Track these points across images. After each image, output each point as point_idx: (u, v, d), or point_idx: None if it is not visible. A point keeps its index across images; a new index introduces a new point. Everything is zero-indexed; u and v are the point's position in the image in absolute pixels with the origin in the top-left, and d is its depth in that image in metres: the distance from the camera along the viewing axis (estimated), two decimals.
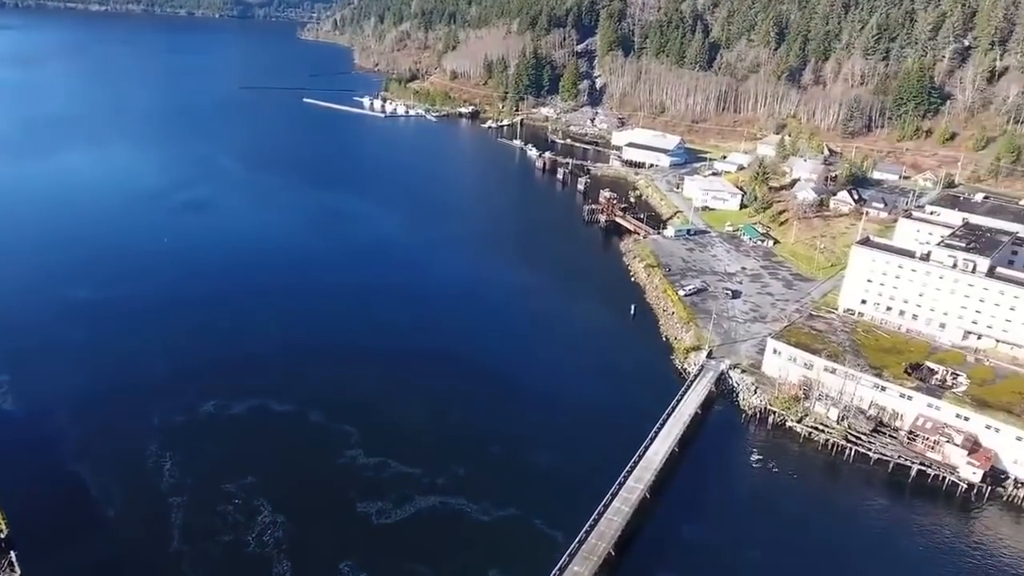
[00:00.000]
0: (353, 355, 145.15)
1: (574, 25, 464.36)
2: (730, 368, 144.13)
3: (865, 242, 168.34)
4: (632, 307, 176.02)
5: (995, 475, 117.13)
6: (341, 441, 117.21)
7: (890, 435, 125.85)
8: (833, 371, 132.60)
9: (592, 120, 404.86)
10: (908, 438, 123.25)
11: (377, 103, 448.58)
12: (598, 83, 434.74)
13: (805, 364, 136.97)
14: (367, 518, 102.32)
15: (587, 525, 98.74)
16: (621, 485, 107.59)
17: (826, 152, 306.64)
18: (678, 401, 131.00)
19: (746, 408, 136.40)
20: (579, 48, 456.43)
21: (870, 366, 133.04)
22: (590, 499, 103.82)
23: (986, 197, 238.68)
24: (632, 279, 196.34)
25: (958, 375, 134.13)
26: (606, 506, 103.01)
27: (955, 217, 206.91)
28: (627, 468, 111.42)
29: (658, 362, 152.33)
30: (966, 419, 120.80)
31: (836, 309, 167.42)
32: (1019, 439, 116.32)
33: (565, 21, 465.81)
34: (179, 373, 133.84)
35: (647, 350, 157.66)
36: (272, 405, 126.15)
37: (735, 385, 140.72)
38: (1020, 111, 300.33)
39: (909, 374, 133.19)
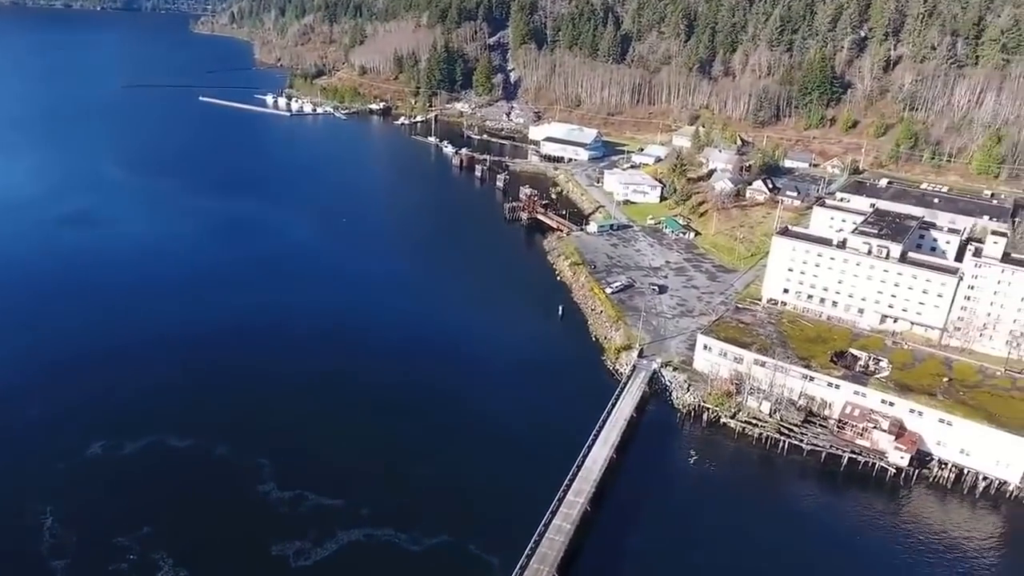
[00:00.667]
0: (260, 378, 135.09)
1: (485, 18, 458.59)
2: (662, 366, 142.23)
3: (784, 232, 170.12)
4: (560, 307, 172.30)
5: (920, 458, 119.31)
6: (251, 476, 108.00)
7: (821, 424, 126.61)
8: (763, 364, 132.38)
9: (508, 114, 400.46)
10: (838, 427, 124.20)
11: (282, 101, 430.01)
12: (512, 76, 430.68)
13: (735, 358, 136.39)
14: (284, 561, 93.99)
15: (527, 548, 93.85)
16: (561, 500, 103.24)
17: (739, 142, 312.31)
18: (613, 404, 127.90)
19: (680, 407, 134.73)
20: (491, 41, 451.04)
21: (798, 357, 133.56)
22: (529, 518, 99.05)
23: (890, 182, 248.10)
24: (558, 278, 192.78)
25: (880, 360, 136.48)
26: (546, 525, 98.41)
27: (864, 203, 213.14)
28: (566, 480, 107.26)
29: (590, 364, 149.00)
30: (891, 404, 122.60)
31: (760, 300, 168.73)
32: (941, 421, 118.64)
33: (476, 14, 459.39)
34: (57, 412, 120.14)
35: (578, 352, 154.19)
36: (170, 441, 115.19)
37: (668, 384, 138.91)
38: (915, 99, 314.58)
39: (835, 362, 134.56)
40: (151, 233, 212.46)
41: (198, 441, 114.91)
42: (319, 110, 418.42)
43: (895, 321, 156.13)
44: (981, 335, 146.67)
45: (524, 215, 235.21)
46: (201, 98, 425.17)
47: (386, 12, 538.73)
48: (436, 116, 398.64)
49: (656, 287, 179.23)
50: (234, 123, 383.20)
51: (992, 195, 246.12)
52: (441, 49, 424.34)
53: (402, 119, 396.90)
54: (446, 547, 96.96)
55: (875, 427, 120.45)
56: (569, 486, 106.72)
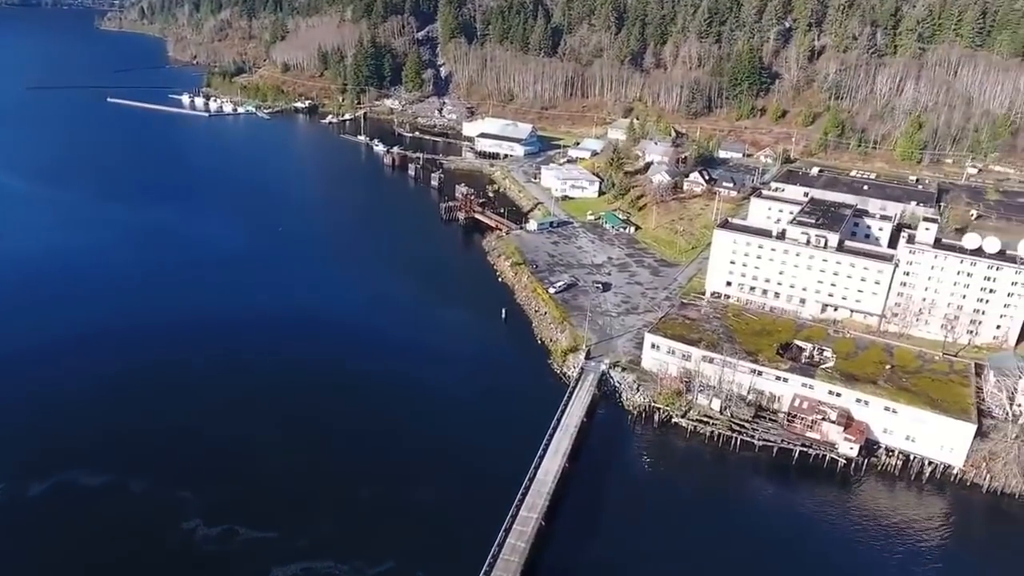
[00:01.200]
0: (181, 400, 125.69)
1: (412, 12, 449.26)
2: (610, 367, 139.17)
3: (725, 225, 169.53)
4: (503, 310, 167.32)
5: (869, 447, 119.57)
6: (174, 512, 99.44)
7: (771, 419, 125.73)
8: (711, 360, 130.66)
9: (440, 111, 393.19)
10: (788, 420, 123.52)
11: (199, 100, 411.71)
12: (443, 72, 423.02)
13: (683, 356, 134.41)
14: None
15: (482, 571, 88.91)
16: (514, 517, 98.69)
17: (674, 134, 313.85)
18: (562, 410, 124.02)
19: (631, 408, 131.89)
20: (420, 36, 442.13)
21: (745, 351, 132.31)
22: (481, 538, 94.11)
23: (821, 171, 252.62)
24: (500, 279, 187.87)
25: (824, 351, 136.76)
26: (500, 545, 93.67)
27: (798, 192, 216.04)
28: (518, 495, 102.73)
29: (536, 368, 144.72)
30: (838, 395, 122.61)
31: (704, 294, 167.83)
32: (887, 409, 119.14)
33: (403, 7, 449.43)
34: None
35: (523, 356, 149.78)
36: (81, 479, 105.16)
37: (617, 385, 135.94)
38: (839, 88, 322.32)
39: (781, 355, 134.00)
40: (54, 247, 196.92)
41: (113, 477, 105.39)
42: (240, 110, 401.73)
43: (835, 310, 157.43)
44: (917, 320, 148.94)
45: (461, 215, 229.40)
46: (110, 99, 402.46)
47: (308, 6, 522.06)
48: (365, 114, 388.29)
49: (600, 285, 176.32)
50: (148, 125, 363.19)
51: (917, 180, 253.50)
52: (368, 44, 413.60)
53: (329, 118, 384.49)
54: None
55: (824, 419, 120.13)
56: (522, 501, 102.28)
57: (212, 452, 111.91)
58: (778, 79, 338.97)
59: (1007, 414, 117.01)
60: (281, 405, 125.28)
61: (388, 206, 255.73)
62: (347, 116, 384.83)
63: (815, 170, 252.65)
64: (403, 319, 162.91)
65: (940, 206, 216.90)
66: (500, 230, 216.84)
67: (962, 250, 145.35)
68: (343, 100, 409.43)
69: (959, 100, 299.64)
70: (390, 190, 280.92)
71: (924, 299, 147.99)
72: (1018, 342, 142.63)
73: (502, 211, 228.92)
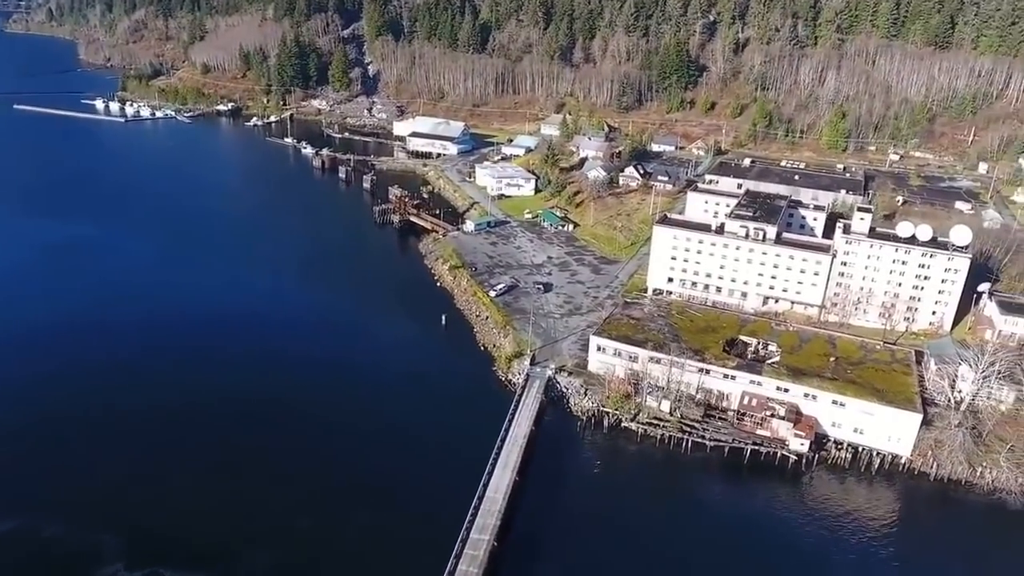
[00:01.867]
0: (97, 428, 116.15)
1: (337, 9, 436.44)
2: (557, 372, 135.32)
3: (664, 220, 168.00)
4: (443, 316, 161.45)
5: (818, 441, 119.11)
6: (92, 557, 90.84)
7: (721, 418, 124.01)
8: (658, 361, 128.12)
9: (369, 110, 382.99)
10: (737, 418, 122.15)
11: (115, 105, 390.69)
12: (371, 70, 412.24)
13: (630, 357, 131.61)
14: None
15: None
16: (464, 541, 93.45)
17: (606, 129, 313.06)
18: (510, 420, 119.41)
19: (579, 414, 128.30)
20: (346, 34, 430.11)
21: (692, 350, 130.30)
22: (430, 566, 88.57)
23: (753, 162, 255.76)
24: (438, 284, 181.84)
25: (769, 345, 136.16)
26: (451, 573, 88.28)
27: (732, 184, 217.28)
28: (468, 516, 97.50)
29: (480, 376, 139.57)
30: (786, 391, 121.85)
31: (646, 291, 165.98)
32: (834, 402, 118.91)
33: (327, 5, 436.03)
34: None
35: (467, 364, 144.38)
36: None
37: (564, 390, 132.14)
38: (765, 79, 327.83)
39: (727, 352, 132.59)
40: None
41: (21, 521, 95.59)
42: (159, 114, 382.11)
43: (776, 302, 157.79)
44: (856, 309, 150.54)
45: (396, 217, 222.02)
46: (17, 106, 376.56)
47: (227, 5, 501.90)
48: (292, 115, 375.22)
49: (541, 286, 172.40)
50: (60, 133, 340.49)
51: (844, 169, 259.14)
52: (291, 43, 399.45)
53: (255, 120, 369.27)
54: None
55: (773, 415, 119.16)
56: (472, 522, 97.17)
57: (133, 488, 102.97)
58: (705, 72, 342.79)
59: (949, 400, 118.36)
60: (205, 433, 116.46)
61: (319, 211, 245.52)
62: (273, 118, 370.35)
63: (747, 161, 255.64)
64: (337, 331, 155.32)
65: (869, 193, 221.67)
66: (437, 232, 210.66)
67: (896, 238, 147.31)
68: (268, 101, 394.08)
69: (878, 89, 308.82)
70: (320, 194, 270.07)
71: (862, 288, 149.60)
72: (953, 327, 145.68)
73: (438, 212, 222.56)
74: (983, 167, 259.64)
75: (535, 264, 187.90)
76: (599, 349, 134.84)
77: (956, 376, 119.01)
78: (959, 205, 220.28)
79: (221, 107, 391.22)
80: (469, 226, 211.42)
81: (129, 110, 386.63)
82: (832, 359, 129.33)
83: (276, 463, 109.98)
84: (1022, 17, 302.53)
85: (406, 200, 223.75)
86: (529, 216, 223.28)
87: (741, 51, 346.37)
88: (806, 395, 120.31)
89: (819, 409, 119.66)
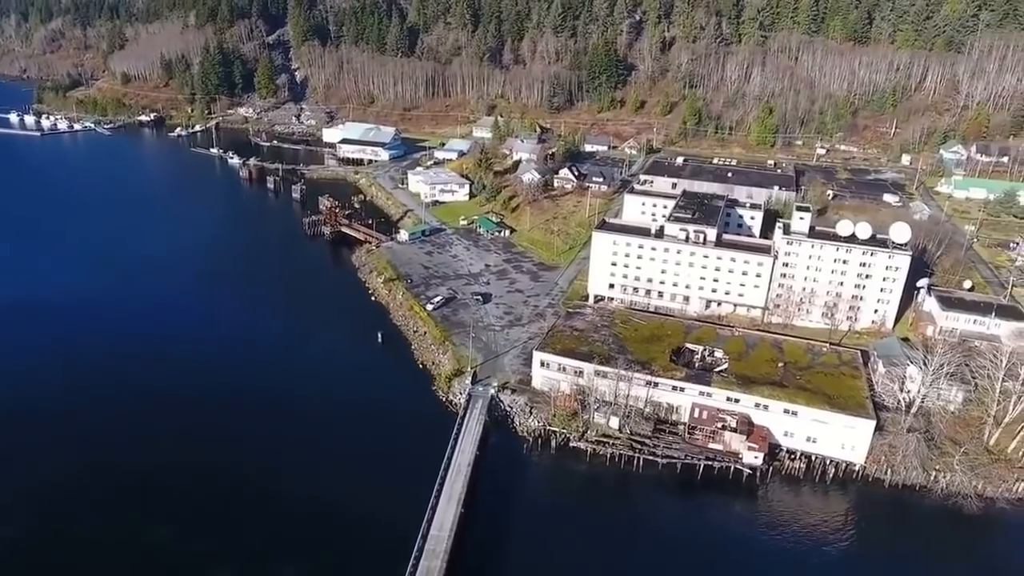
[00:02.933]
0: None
1: (260, 15, 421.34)
2: (499, 390, 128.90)
3: (603, 226, 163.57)
4: (379, 333, 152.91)
5: (771, 451, 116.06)
6: None
7: (671, 432, 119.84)
8: (605, 375, 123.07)
9: (298, 117, 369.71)
10: (689, 433, 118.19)
11: (30, 119, 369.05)
12: (298, 76, 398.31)
13: (575, 372, 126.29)
14: None
15: None
16: None
17: (539, 130, 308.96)
18: (453, 446, 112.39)
19: (526, 434, 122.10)
20: (271, 40, 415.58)
21: (638, 362, 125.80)
22: None
23: (685, 160, 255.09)
24: (373, 298, 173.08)
25: (715, 352, 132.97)
26: None
27: (666, 183, 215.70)
28: (412, 558, 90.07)
29: (420, 397, 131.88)
30: (737, 401, 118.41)
31: (587, 298, 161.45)
32: (786, 412, 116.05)
33: (250, 11, 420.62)
34: None
35: (405, 384, 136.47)
36: None
37: (508, 409, 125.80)
38: (692, 77, 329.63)
39: (674, 361, 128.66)
40: None
41: None
42: (77, 126, 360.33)
43: (719, 305, 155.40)
44: (799, 310, 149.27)
45: (327, 229, 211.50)
46: None
47: (148, 12, 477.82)
48: (217, 124, 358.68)
49: (479, 297, 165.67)
50: None
51: (775, 164, 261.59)
52: (214, 51, 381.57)
53: (179, 130, 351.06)
54: None
55: (724, 427, 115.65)
56: (416, 564, 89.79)
57: (39, 534, 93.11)
58: (634, 71, 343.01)
59: (899, 403, 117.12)
60: (114, 473, 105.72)
61: (246, 223, 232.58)
62: (197, 127, 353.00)
63: (680, 159, 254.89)
64: (266, 352, 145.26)
65: (800, 189, 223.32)
66: (370, 243, 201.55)
67: (837, 237, 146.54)
68: (192, 111, 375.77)
69: (802, 84, 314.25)
70: (248, 205, 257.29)
71: (804, 288, 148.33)
72: (894, 324, 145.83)
73: (370, 222, 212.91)
74: (906, 159, 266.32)
75: (472, 273, 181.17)
76: (543, 365, 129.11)
77: (905, 377, 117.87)
78: (887, 197, 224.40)
79: (143, 117, 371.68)
80: (403, 236, 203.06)
81: (45, 123, 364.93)
82: (780, 364, 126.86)
83: (197, 506, 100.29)
84: (936, 12, 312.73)
85: (337, 210, 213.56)
86: (465, 223, 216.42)
87: (668, 49, 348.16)
88: (757, 405, 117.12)
89: (771, 419, 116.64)
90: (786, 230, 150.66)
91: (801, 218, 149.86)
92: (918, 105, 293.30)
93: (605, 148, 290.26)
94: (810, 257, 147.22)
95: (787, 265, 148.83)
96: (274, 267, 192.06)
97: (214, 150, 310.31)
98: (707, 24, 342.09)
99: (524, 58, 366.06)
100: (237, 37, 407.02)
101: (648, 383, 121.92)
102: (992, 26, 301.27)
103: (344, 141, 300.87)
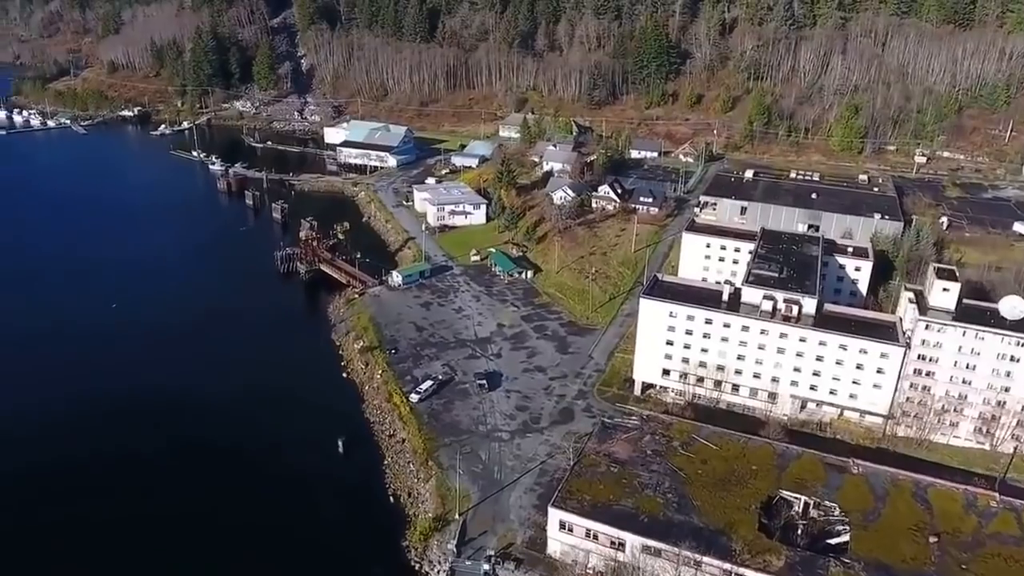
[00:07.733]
0: None
1: None
2: (496, 559, 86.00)
3: (654, 289, 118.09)
4: (340, 441, 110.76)
5: None
6: None
7: None
8: (658, 553, 79.19)
9: (301, 112, 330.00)
10: None
11: (1, 113, 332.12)
12: (304, 65, 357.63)
13: (613, 544, 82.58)
14: None
15: None
16: None
17: (575, 129, 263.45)
18: None
19: None
20: (274, 23, 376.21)
21: (710, 529, 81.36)
22: None
23: (756, 174, 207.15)
24: (346, 373, 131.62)
25: (826, 506, 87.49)
26: None
27: (734, 208, 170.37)
28: None
29: (386, 560, 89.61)
30: None
31: (630, 382, 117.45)
32: None
33: None
34: None
35: (365, 535, 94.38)
36: None
37: None
38: (758, 66, 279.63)
39: (765, 527, 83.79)
40: None
41: None
42: (51, 123, 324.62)
43: (819, 406, 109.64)
44: (940, 421, 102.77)
45: (303, 266, 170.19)
46: None
47: None
48: (209, 120, 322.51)
49: (484, 379, 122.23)
50: None
51: (869, 179, 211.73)
52: (208, 35, 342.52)
53: (162, 128, 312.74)
54: None
55: None
56: None
57: None
58: (689, 59, 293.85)
59: None
60: None
61: (208, 255, 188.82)
62: (185, 125, 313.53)
63: (749, 173, 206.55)
64: (186, 466, 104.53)
65: (906, 216, 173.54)
66: (353, 287, 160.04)
67: (1001, 322, 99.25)
68: (182, 105, 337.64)
69: (892, 76, 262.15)
70: (218, 229, 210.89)
71: (949, 392, 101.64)
72: None
73: (358, 256, 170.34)
74: None
75: (479, 338, 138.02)
76: (563, 527, 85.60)
77: None
78: (1018, 227, 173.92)
79: (126, 113, 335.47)
80: (396, 278, 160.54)
81: (18, 119, 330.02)
82: (932, 537, 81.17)
83: None
84: None
85: (317, 242, 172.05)
86: (476, 258, 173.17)
87: (729, 34, 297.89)
88: None
89: None
90: (921, 307, 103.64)
91: (946, 289, 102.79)
92: None
93: (655, 154, 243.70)
94: (960, 349, 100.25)
95: (924, 359, 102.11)
96: (227, 323, 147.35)
97: (195, 153, 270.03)
98: (776, 3, 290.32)
99: (560, 44, 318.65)
100: (235, 20, 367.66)
101: (726, 572, 77.55)
102: None
103: (346, 144, 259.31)
